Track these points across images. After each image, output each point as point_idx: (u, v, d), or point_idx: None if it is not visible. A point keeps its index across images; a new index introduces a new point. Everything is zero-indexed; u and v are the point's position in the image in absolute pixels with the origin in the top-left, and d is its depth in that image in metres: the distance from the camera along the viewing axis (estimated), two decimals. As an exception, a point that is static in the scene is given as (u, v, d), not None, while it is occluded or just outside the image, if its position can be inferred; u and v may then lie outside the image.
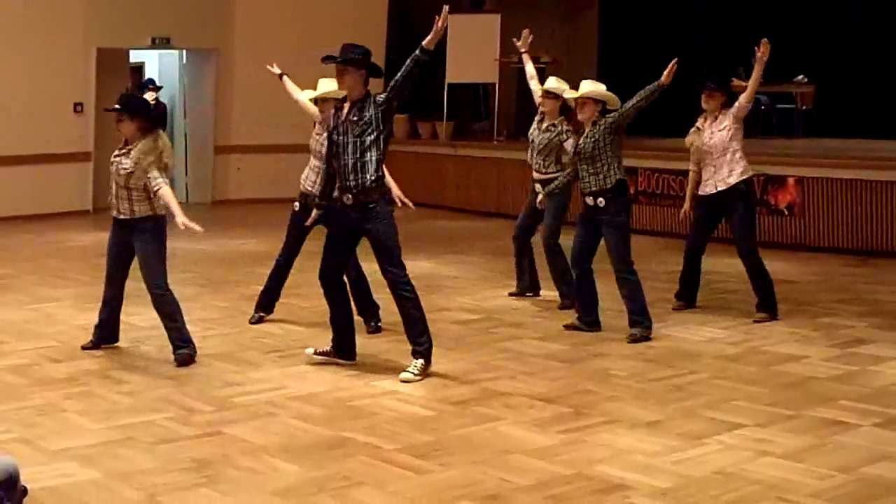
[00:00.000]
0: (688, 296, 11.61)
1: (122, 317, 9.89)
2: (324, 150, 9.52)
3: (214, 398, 8.31)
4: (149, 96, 21.84)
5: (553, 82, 11.65)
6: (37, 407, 8.07)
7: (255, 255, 15.22)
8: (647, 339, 10.13)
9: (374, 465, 6.87)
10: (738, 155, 11.13)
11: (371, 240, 8.97)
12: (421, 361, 8.93)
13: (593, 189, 10.24)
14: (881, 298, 12.24)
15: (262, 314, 10.95)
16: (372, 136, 8.82)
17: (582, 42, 24.19)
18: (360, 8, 22.06)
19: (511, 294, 12.09)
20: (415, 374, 8.84)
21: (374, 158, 8.82)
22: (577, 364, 9.39)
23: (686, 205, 11.64)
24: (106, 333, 9.78)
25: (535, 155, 11.59)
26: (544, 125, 11.58)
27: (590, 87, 10.47)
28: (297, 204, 10.62)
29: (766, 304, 11.21)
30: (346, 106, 8.98)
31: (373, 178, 8.82)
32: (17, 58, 18.99)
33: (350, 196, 8.89)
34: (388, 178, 9.46)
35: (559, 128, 11.45)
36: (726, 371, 9.10)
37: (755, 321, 11.00)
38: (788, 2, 22.26)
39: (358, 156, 8.80)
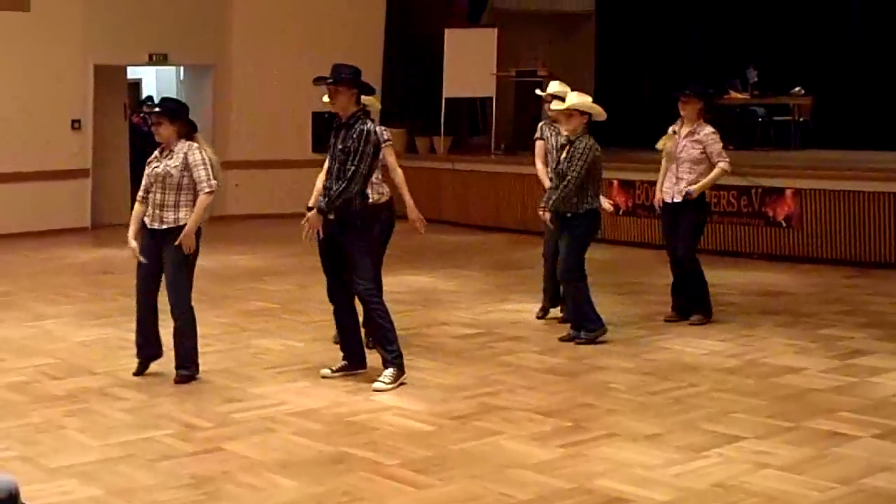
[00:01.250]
0: (681, 308, 11.61)
1: (123, 334, 9.89)
2: None
3: (214, 414, 8.31)
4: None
5: (556, 86, 11.54)
6: (36, 424, 8.07)
7: (254, 271, 15.23)
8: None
9: (374, 480, 6.86)
10: (702, 172, 11.25)
11: (345, 249, 9.01)
12: (392, 370, 9.01)
13: (565, 209, 10.43)
14: (880, 310, 12.25)
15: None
16: (353, 168, 8.89)
17: (579, 56, 24.25)
18: (358, 25, 22.12)
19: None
20: (386, 384, 8.91)
21: (356, 187, 8.92)
22: (577, 378, 9.40)
23: (657, 195, 11.63)
24: (149, 351, 9.57)
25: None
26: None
27: (576, 98, 10.48)
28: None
29: (701, 305, 11.46)
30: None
31: (357, 206, 8.96)
32: (15, 74, 19.02)
33: (336, 213, 8.98)
34: (407, 199, 10.02)
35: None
36: (725, 383, 9.10)
37: (691, 324, 11.29)
38: (785, 14, 22.30)
39: (341, 183, 8.91)
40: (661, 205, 11.53)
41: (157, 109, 9.34)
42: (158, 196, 9.13)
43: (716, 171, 11.26)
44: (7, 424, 8.05)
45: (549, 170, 11.25)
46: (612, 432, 7.79)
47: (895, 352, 10.16)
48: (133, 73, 22.41)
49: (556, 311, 11.56)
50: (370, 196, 9.34)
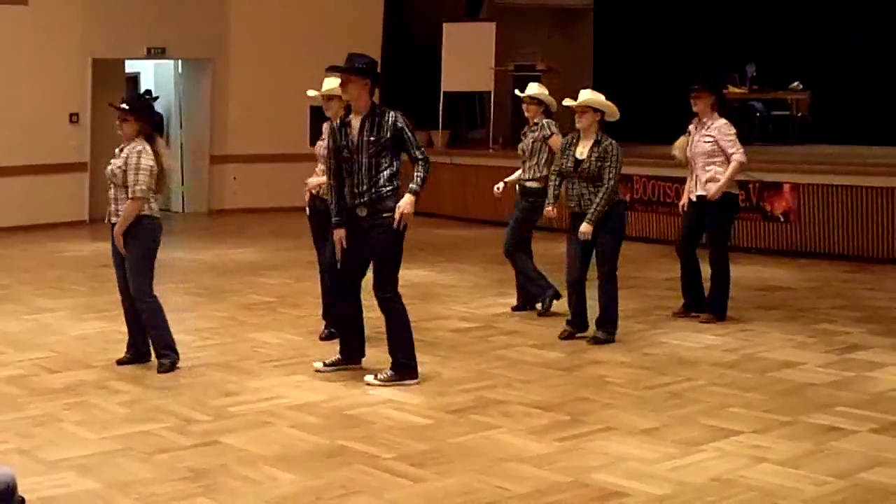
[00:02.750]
0: (690, 302, 11.55)
1: (120, 327, 9.88)
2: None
3: (212, 408, 8.31)
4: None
5: (535, 88, 11.69)
6: (34, 417, 8.07)
7: (252, 265, 15.23)
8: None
9: (371, 473, 6.87)
10: (717, 167, 11.13)
11: (372, 249, 8.94)
12: (393, 372, 9.00)
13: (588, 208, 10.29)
14: (877, 304, 12.26)
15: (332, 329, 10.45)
16: (387, 160, 8.80)
17: (577, 50, 24.24)
18: (356, 18, 22.09)
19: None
20: (377, 381, 8.92)
21: (387, 173, 8.83)
22: (574, 372, 9.40)
23: (683, 199, 11.59)
24: (138, 350, 9.64)
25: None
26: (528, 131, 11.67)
27: (589, 95, 10.45)
28: (307, 209, 10.44)
29: (715, 304, 11.36)
30: (354, 119, 8.91)
31: (387, 190, 8.83)
32: (13, 68, 19.01)
33: (364, 208, 8.87)
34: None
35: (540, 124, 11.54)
36: (723, 378, 9.11)
37: (701, 321, 11.22)
38: (783, 9, 22.30)
39: (373, 173, 8.79)
40: (685, 206, 11.47)
41: (125, 106, 9.39)
42: (112, 192, 9.43)
43: (732, 167, 11.08)
44: (5, 417, 8.05)
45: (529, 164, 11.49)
46: (609, 426, 7.79)
47: (893, 346, 10.17)
48: (131, 66, 22.37)
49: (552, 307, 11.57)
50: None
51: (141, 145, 9.25)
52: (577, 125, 10.46)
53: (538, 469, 6.90)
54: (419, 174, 8.81)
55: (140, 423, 7.93)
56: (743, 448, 7.29)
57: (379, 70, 9.19)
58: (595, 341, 10.30)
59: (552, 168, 10.85)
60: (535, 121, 11.56)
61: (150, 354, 9.58)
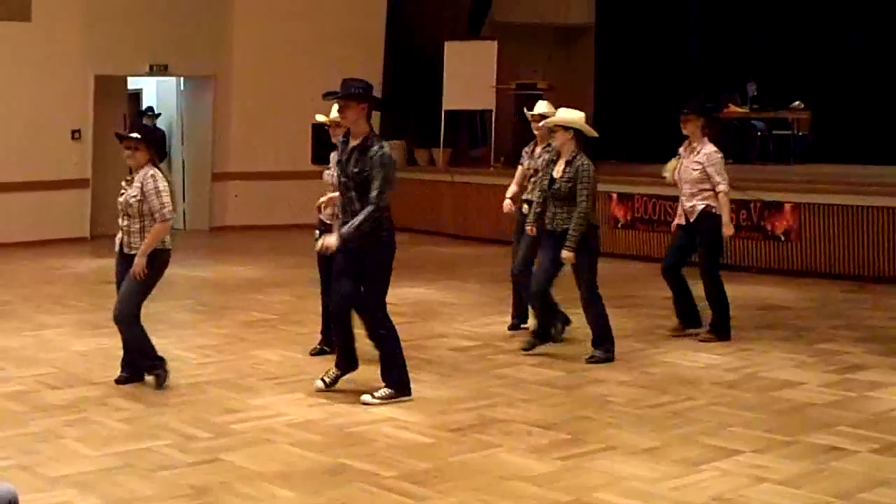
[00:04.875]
0: (683, 320, 11.61)
1: (116, 343, 9.87)
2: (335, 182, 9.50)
3: (212, 425, 8.31)
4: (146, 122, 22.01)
5: (543, 107, 11.45)
6: (35, 434, 8.07)
7: (253, 282, 15.24)
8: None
9: (372, 492, 6.87)
10: (705, 192, 11.18)
11: (363, 270, 8.95)
12: (388, 390, 9.01)
13: (565, 227, 10.29)
14: (878, 324, 12.26)
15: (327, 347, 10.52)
16: (376, 192, 8.74)
17: (579, 68, 24.27)
18: (358, 36, 22.13)
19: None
20: (375, 398, 8.92)
21: (383, 213, 8.84)
22: (575, 390, 9.40)
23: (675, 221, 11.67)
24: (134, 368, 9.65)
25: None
26: (539, 149, 11.39)
27: (564, 113, 10.45)
28: (316, 232, 10.37)
29: (717, 324, 11.41)
30: (352, 142, 8.90)
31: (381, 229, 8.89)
32: (15, 85, 19.05)
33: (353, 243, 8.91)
34: None
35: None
36: (724, 397, 9.11)
37: (700, 340, 11.25)
38: (785, 28, 22.34)
39: (359, 205, 8.78)
40: (675, 228, 11.58)
41: (136, 135, 9.41)
42: (125, 222, 9.38)
43: (724, 203, 11.12)
44: (6, 433, 8.05)
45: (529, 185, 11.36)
46: (610, 445, 7.79)
47: (893, 366, 10.17)
48: (133, 83, 22.41)
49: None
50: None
51: (151, 170, 9.28)
52: (553, 143, 10.55)
53: (539, 488, 6.90)
54: (360, 216, 8.71)
55: (141, 440, 7.93)
56: (743, 468, 7.29)
57: (374, 93, 9.16)
58: (592, 360, 10.31)
59: (539, 186, 10.85)
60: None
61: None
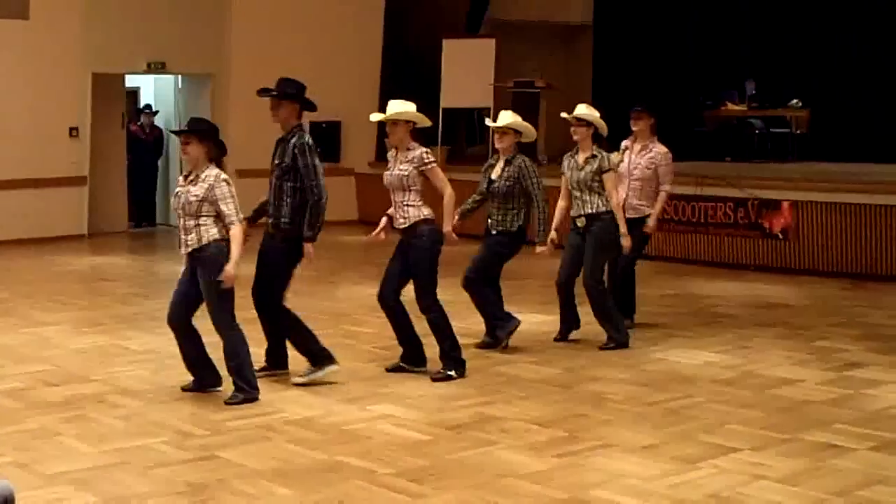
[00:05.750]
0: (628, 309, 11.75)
1: (119, 341, 9.88)
2: (391, 181, 9.77)
3: (209, 422, 8.31)
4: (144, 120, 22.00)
5: (584, 108, 11.00)
6: (32, 431, 8.07)
7: (249, 279, 15.20)
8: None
9: (369, 489, 6.87)
10: (652, 189, 11.55)
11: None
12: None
13: (499, 228, 10.57)
14: (876, 322, 12.27)
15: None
16: (289, 184, 9.23)
17: (577, 66, 24.25)
18: (356, 34, 22.13)
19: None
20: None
21: (289, 201, 9.27)
22: (572, 388, 9.40)
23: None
24: (204, 374, 9.22)
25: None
26: (581, 159, 10.91)
27: (511, 118, 10.56)
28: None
29: (628, 308, 11.67)
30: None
31: (286, 220, 9.28)
32: (13, 82, 19.02)
33: (272, 228, 9.41)
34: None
35: (599, 157, 10.81)
36: (721, 395, 9.11)
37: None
38: (783, 26, 22.32)
39: (278, 200, 9.32)
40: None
41: (185, 129, 9.06)
42: (183, 222, 8.90)
43: (662, 199, 11.61)
44: (3, 430, 8.04)
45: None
46: (607, 443, 7.79)
47: (891, 364, 10.17)
48: (131, 81, 22.39)
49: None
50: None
51: (219, 171, 8.88)
52: (497, 146, 10.64)
53: (536, 485, 6.90)
54: (309, 216, 9.19)
55: (138, 437, 7.93)
56: (741, 465, 7.29)
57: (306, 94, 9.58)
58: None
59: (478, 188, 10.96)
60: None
61: (212, 380, 9.19)
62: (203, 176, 8.82)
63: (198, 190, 8.78)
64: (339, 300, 13.38)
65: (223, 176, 8.86)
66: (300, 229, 9.22)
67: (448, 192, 9.78)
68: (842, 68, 21.61)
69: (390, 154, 10.01)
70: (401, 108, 9.90)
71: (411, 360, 9.94)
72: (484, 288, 10.84)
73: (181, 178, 9.03)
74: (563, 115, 11.02)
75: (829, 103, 21.49)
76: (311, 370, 9.39)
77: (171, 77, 22.18)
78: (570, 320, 11.22)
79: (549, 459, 7.43)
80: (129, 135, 21.42)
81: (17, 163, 19.03)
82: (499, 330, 10.78)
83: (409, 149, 9.79)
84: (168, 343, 9.79)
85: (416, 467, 7.27)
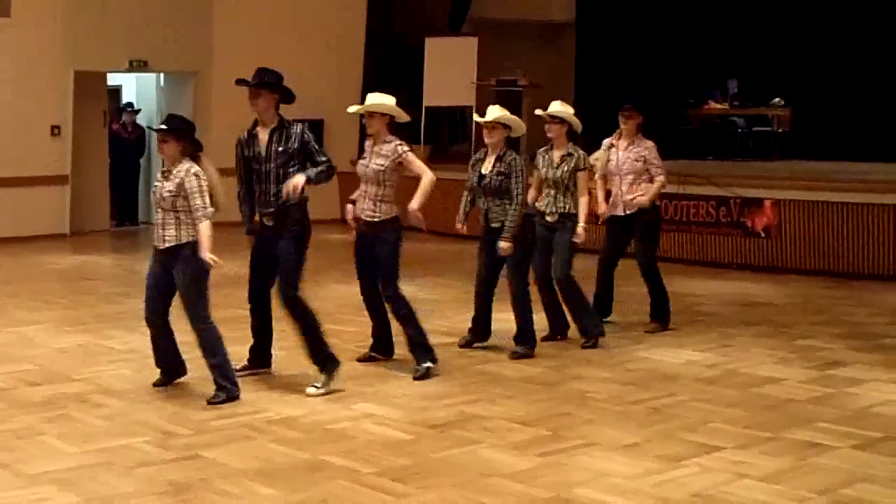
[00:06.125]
0: (605, 312, 11.80)
1: (102, 340, 9.85)
2: (367, 174, 9.95)
3: (192, 421, 8.29)
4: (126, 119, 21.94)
5: (558, 105, 11.08)
6: (15, 430, 8.04)
7: (234, 278, 15.13)
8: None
9: (353, 488, 6.86)
10: (644, 181, 11.57)
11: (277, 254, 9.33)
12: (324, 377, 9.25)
13: (502, 221, 10.38)
14: (859, 320, 12.29)
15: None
16: (294, 169, 9.24)
17: (560, 65, 24.27)
18: (339, 32, 22.12)
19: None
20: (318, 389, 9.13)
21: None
22: (556, 387, 9.40)
23: (602, 207, 11.82)
24: (175, 368, 9.40)
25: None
26: (557, 157, 10.95)
27: (499, 112, 10.44)
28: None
29: (660, 314, 11.70)
30: (261, 131, 9.39)
31: (294, 203, 9.24)
32: (-6, 80, 18.98)
33: (272, 218, 9.30)
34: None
35: (575, 156, 10.82)
36: (704, 393, 9.12)
37: (646, 331, 11.51)
38: (765, 25, 22.37)
39: (280, 182, 9.24)
40: (608, 218, 11.79)
41: (163, 127, 9.10)
42: (159, 216, 9.05)
43: (657, 185, 11.55)
44: (-16, 431, 8.02)
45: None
46: (590, 441, 7.80)
47: (873, 363, 10.20)
48: (113, 79, 22.34)
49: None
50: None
51: (190, 165, 8.99)
52: (487, 141, 10.48)
53: (520, 484, 6.90)
54: (320, 168, 9.29)
55: (121, 436, 7.91)
56: (724, 464, 7.30)
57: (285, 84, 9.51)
58: (515, 356, 10.45)
59: (466, 184, 10.86)
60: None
61: (180, 371, 9.39)
62: (175, 171, 8.98)
63: (171, 185, 8.93)
64: (322, 299, 13.33)
65: (194, 170, 8.99)
66: (306, 214, 9.33)
67: (428, 176, 10.04)
68: (824, 67, 21.67)
69: (368, 143, 10.06)
70: (379, 100, 10.02)
71: (384, 350, 10.26)
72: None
73: (159, 174, 9.18)
74: (538, 111, 11.05)
75: (812, 102, 21.55)
76: (326, 381, 9.14)
77: (153, 75, 22.15)
78: (559, 323, 11.26)
79: (533, 458, 7.43)
80: (112, 133, 21.37)
81: (-1, 161, 18.99)
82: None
83: (385, 141, 9.97)
84: (150, 343, 9.77)
85: (400, 466, 7.26)
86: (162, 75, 22.10)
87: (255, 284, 9.69)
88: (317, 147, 9.42)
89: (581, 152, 10.84)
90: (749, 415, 8.48)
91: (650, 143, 11.63)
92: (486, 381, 9.59)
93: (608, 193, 11.74)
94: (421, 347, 9.85)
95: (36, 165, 19.49)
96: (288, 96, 9.40)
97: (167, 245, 8.96)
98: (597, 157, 11.66)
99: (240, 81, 9.41)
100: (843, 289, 14.37)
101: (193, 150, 9.16)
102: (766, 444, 7.75)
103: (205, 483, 6.93)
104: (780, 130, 22.02)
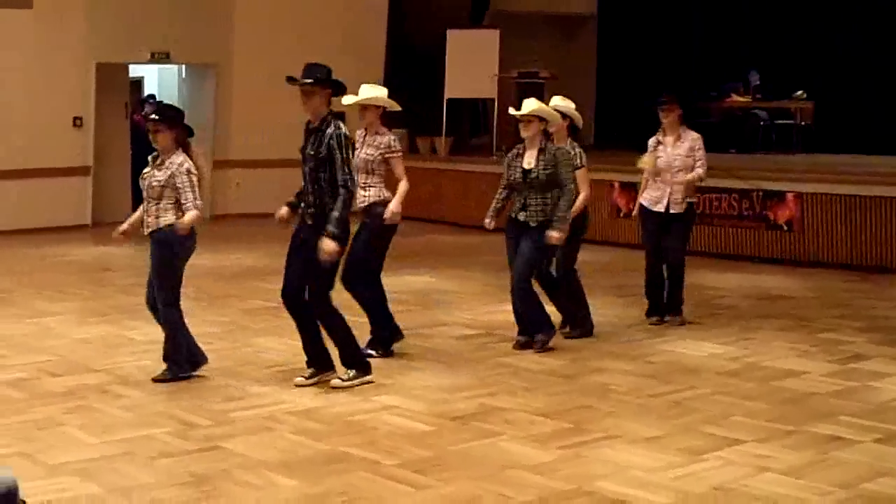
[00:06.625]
0: (658, 308, 11.67)
1: (122, 331, 9.88)
2: (357, 163, 9.73)
3: (213, 413, 8.30)
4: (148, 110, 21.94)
5: (558, 100, 11.11)
6: (36, 421, 8.06)
7: (254, 270, 15.22)
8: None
9: (373, 480, 6.85)
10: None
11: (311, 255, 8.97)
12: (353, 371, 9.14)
13: (540, 219, 10.17)
14: (880, 314, 12.24)
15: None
16: (324, 174, 8.83)
17: (580, 58, 24.24)
18: (360, 24, 22.12)
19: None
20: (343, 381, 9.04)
21: (327, 191, 8.86)
22: (577, 379, 9.39)
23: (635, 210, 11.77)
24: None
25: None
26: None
27: (535, 105, 10.30)
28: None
29: (675, 305, 11.62)
30: (311, 127, 9.01)
31: (330, 207, 8.83)
32: (17, 71, 19.02)
33: (311, 218, 9.00)
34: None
35: (573, 152, 10.76)
36: (726, 386, 9.09)
37: (676, 325, 11.48)
38: (787, 18, 22.30)
39: (316, 187, 8.88)
40: (643, 212, 11.61)
41: (155, 117, 9.27)
42: (147, 205, 9.27)
43: (695, 175, 11.37)
44: (7, 421, 8.04)
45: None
46: (611, 434, 7.78)
47: (895, 356, 10.15)
48: (135, 71, 22.38)
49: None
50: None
51: (183, 159, 9.13)
52: (523, 135, 10.31)
53: (541, 477, 6.89)
54: (336, 206, 8.76)
55: (142, 427, 7.92)
56: (746, 457, 7.28)
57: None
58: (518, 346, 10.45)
59: (501, 182, 10.70)
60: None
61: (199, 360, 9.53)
62: (168, 163, 9.14)
63: (161, 175, 9.13)
64: (340, 290, 13.36)
65: (186, 166, 9.13)
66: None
67: (404, 182, 10.12)
68: (846, 59, 21.59)
69: (359, 133, 10.12)
70: (372, 92, 10.12)
71: (383, 343, 10.19)
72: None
73: (150, 160, 9.34)
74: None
75: (834, 94, 21.48)
76: (355, 375, 9.08)
77: (174, 67, 22.19)
78: (568, 311, 11.21)
79: (554, 451, 7.41)
80: (133, 125, 21.41)
81: (21, 153, 19.05)
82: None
83: (378, 133, 10.04)
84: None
85: (421, 458, 7.26)
86: (183, 67, 22.13)
87: (288, 290, 9.39)
88: (342, 158, 8.80)
89: (579, 149, 10.88)
90: (770, 408, 8.45)
91: (697, 135, 11.42)
92: (506, 373, 9.57)
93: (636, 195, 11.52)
94: (378, 340, 10.02)
95: (58, 157, 19.55)
96: (340, 89, 9.09)
97: (148, 230, 9.24)
98: (645, 161, 11.47)
99: (291, 80, 9.00)
100: (866, 282, 14.32)
101: (185, 138, 9.27)
102: (788, 437, 7.72)
103: (225, 474, 6.94)
104: (802, 123, 21.94)
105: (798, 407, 8.51)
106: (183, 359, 9.30)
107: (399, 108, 10.34)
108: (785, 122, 22.09)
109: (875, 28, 21.29)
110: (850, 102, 21.31)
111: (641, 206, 11.56)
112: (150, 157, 9.32)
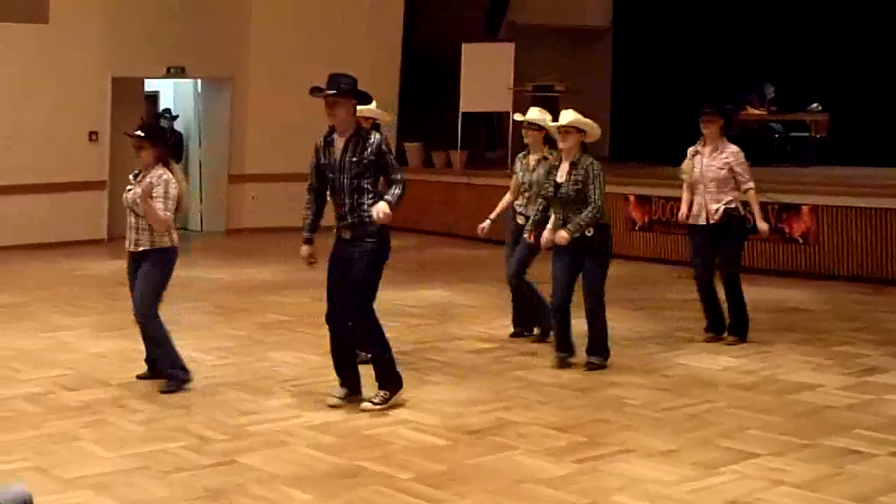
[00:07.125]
0: (719, 328, 11.49)
1: (137, 346, 9.90)
2: None
3: (228, 427, 8.31)
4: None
5: (535, 113, 11.25)
6: (51, 435, 8.08)
7: (270, 284, 15.23)
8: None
9: (388, 494, 6.85)
10: (731, 192, 11.24)
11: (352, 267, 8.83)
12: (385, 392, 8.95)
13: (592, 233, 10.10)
14: (896, 327, 12.23)
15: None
16: (368, 182, 8.78)
17: (596, 70, 24.24)
18: (375, 38, 22.15)
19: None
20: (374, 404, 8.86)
21: (369, 196, 8.77)
22: (591, 393, 9.38)
23: (682, 212, 11.58)
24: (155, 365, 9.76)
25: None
26: (533, 160, 11.23)
27: (573, 116, 10.20)
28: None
29: (738, 326, 11.42)
30: (337, 139, 8.87)
31: (368, 214, 8.71)
32: (33, 86, 19.09)
33: (348, 231, 8.84)
34: None
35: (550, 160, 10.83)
36: (741, 400, 9.08)
37: (726, 345, 11.21)
38: (802, 30, 22.28)
39: (355, 195, 8.75)
40: (690, 227, 11.48)
41: (140, 133, 9.48)
42: (132, 219, 9.51)
43: (753, 198, 11.35)
44: (22, 435, 8.06)
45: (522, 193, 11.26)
46: (627, 448, 7.77)
47: (911, 369, 10.14)
48: (150, 85, 22.44)
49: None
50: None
51: (163, 172, 9.33)
52: (561, 146, 10.25)
53: (556, 491, 6.88)
54: (396, 190, 8.76)
55: (157, 441, 7.93)
56: (761, 471, 7.26)
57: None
58: (590, 367, 10.22)
59: (540, 193, 10.63)
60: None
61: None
62: (148, 178, 9.34)
63: (140, 189, 9.31)
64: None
65: (165, 176, 9.33)
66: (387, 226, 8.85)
67: None
68: (862, 72, 21.55)
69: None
70: (362, 105, 10.02)
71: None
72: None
73: (131, 177, 9.63)
74: (517, 116, 10.84)
75: (850, 107, 21.44)
76: (388, 397, 8.90)
77: (190, 81, 22.23)
78: (525, 321, 11.49)
79: (569, 465, 7.41)
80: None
81: (37, 167, 19.12)
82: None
83: None
84: (186, 348, 9.85)
85: (436, 472, 7.26)
86: (199, 81, 22.18)
87: (334, 314, 9.01)
88: (394, 162, 8.91)
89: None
90: (786, 421, 8.44)
91: (735, 149, 11.23)
92: (521, 386, 9.57)
93: (690, 204, 11.38)
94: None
95: (74, 171, 19.61)
96: (365, 99, 9.08)
97: (140, 249, 9.46)
98: (684, 170, 11.43)
99: (315, 90, 8.93)
100: (881, 295, 14.29)
101: (167, 157, 9.51)
102: (803, 451, 7.70)
103: (240, 488, 6.94)
104: (818, 136, 21.91)
105: (813, 420, 8.49)
106: (176, 364, 9.45)
107: (390, 120, 10.30)
108: (800, 134, 22.07)
109: (891, 41, 21.25)
110: (866, 115, 21.27)
111: (688, 223, 11.48)
112: (130, 175, 9.61)
